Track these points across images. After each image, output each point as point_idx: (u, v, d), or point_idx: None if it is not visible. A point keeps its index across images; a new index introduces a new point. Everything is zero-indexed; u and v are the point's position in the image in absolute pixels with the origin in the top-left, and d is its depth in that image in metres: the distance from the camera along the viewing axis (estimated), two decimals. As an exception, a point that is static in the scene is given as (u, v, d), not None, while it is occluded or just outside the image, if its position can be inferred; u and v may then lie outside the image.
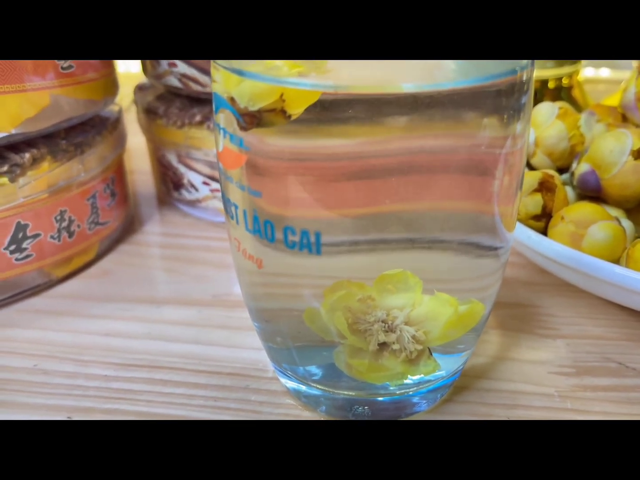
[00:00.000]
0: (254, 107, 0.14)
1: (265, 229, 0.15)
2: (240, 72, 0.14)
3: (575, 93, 0.45)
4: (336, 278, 0.16)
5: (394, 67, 0.15)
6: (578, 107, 0.44)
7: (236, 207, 0.16)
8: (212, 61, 0.16)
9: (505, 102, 0.15)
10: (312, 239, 0.15)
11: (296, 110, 0.14)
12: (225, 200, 0.17)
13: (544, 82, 0.44)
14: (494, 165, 0.15)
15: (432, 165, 0.14)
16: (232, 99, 0.15)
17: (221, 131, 0.16)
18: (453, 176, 0.15)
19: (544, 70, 0.43)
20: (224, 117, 0.15)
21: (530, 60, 0.15)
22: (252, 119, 0.15)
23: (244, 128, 0.15)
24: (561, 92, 0.44)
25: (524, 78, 0.15)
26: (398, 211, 0.15)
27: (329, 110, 0.14)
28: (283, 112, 0.15)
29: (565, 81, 0.44)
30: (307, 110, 0.14)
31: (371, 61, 0.16)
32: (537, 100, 0.44)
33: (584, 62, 0.45)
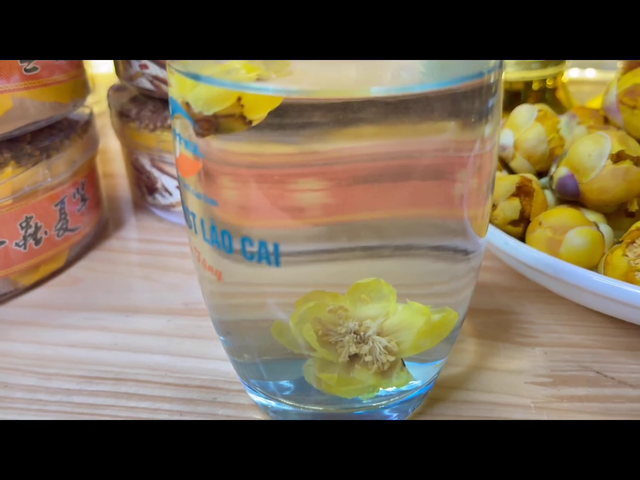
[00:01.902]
0: (208, 112, 0.14)
1: (222, 239, 0.14)
2: (195, 76, 0.14)
3: (560, 94, 0.45)
4: (299, 289, 0.15)
5: (359, 69, 0.15)
6: (562, 109, 0.44)
7: (194, 216, 0.15)
8: (167, 64, 0.15)
9: (472, 105, 0.14)
10: (271, 249, 0.14)
11: (257, 115, 0.14)
12: (184, 209, 0.16)
13: (528, 84, 0.43)
14: (462, 168, 0.15)
15: (399, 170, 0.14)
16: (187, 104, 0.14)
17: (177, 137, 0.15)
18: (421, 180, 0.14)
19: (528, 72, 0.43)
20: (179, 123, 0.15)
21: (498, 62, 0.15)
22: (208, 125, 0.14)
23: (200, 134, 0.14)
24: (545, 94, 0.44)
25: (492, 80, 0.14)
26: (364, 218, 0.14)
27: (291, 115, 0.13)
28: (242, 117, 0.14)
29: (549, 82, 0.44)
30: (268, 115, 0.13)
31: (336, 62, 0.15)
32: (522, 101, 0.44)
33: (569, 63, 0.44)
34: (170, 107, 0.15)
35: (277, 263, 0.14)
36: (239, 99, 0.14)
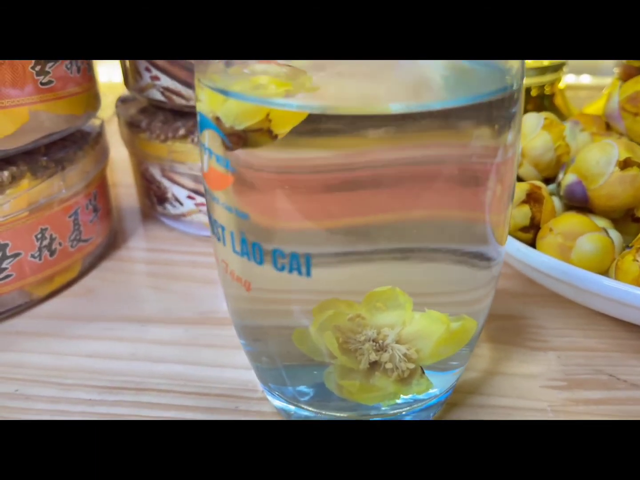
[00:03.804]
0: (240, 127, 0.14)
1: (253, 251, 0.15)
2: (225, 92, 0.14)
3: (558, 101, 0.45)
4: (327, 296, 0.15)
5: (381, 83, 0.15)
6: (561, 115, 0.44)
7: (223, 229, 0.15)
8: (196, 80, 0.15)
9: (496, 113, 0.15)
10: (302, 260, 0.14)
11: (283, 129, 0.14)
12: (212, 222, 0.16)
13: (526, 90, 0.44)
14: (485, 175, 0.15)
15: (423, 176, 0.14)
16: (217, 119, 0.14)
17: (206, 151, 0.15)
18: (444, 187, 0.14)
19: (526, 79, 0.43)
20: (209, 137, 0.15)
21: (521, 70, 0.15)
22: (237, 139, 0.15)
23: (229, 148, 0.15)
24: (544, 100, 0.45)
25: (515, 88, 0.15)
26: (390, 223, 0.15)
27: (317, 127, 0.14)
28: (269, 131, 0.14)
29: (547, 89, 0.44)
30: (295, 127, 0.14)
31: (358, 77, 0.16)
32: (521, 108, 0.44)
33: (566, 69, 0.45)
34: (198, 122, 0.16)
35: (308, 273, 0.14)
36: (268, 114, 0.14)
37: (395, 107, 0.14)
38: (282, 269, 0.15)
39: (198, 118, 0.16)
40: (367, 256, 0.15)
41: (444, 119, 0.14)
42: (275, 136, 0.14)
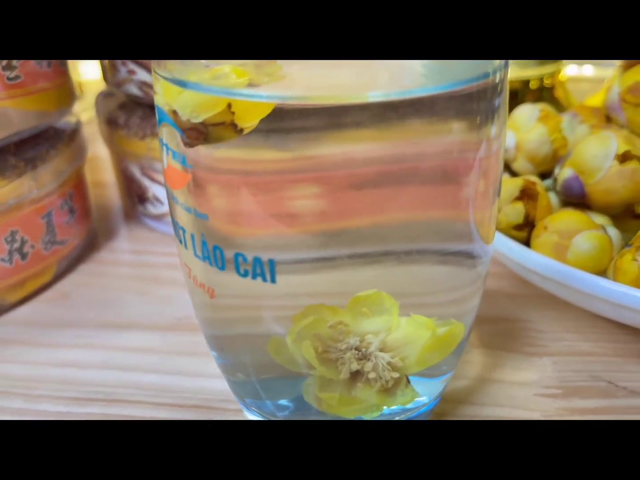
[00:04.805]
0: (197, 119, 0.13)
1: (214, 255, 0.14)
2: (182, 83, 0.13)
3: (558, 93, 0.44)
4: (297, 302, 0.14)
5: (355, 71, 0.14)
6: (561, 107, 0.43)
7: (184, 231, 0.14)
8: (152, 71, 0.14)
9: (477, 106, 0.13)
10: (266, 265, 0.13)
11: (248, 123, 0.13)
12: (174, 223, 0.15)
13: (525, 82, 0.43)
14: (468, 170, 0.14)
15: (401, 173, 0.13)
16: (174, 112, 0.13)
17: (164, 147, 0.14)
18: (425, 184, 0.13)
19: (525, 70, 0.42)
20: (166, 132, 0.14)
21: (504, 61, 0.14)
22: (197, 134, 0.13)
23: (188, 144, 0.13)
24: (543, 92, 0.43)
25: (497, 80, 0.14)
26: (365, 224, 0.13)
27: (284, 121, 0.13)
28: (233, 125, 0.13)
29: (547, 81, 0.43)
30: (260, 121, 0.12)
31: (331, 65, 0.14)
32: (520, 100, 0.43)
33: (566, 60, 0.44)
34: (156, 116, 0.14)
35: (273, 280, 0.13)
36: (229, 105, 0.13)
37: (374, 95, 0.12)
38: (245, 274, 0.13)
39: (156, 111, 0.14)
40: (342, 261, 0.14)
41: (424, 109, 0.13)
42: (241, 130, 0.13)
